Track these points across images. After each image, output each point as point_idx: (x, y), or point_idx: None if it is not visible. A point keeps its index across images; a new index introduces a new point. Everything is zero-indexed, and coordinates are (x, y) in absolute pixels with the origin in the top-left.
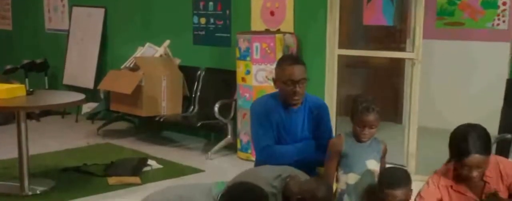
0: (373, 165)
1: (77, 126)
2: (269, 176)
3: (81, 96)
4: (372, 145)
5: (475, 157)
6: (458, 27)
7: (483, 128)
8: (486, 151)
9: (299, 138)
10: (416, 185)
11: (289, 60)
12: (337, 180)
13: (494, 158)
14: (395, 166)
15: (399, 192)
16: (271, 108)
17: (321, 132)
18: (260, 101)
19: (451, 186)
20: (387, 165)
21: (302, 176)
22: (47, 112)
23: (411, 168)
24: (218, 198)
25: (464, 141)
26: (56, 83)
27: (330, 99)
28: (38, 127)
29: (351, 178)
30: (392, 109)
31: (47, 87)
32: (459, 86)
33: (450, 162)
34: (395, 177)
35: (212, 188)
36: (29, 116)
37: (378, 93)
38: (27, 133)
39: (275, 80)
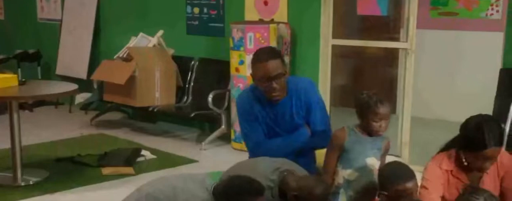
0: (373, 162)
1: (70, 116)
2: (267, 169)
3: (74, 86)
4: (374, 142)
5: (492, 150)
6: (452, 17)
7: (496, 119)
8: (501, 143)
9: (291, 128)
10: None
11: (262, 56)
12: (336, 174)
13: None
14: (393, 160)
15: (411, 184)
16: (254, 103)
17: (313, 116)
18: (242, 97)
19: (451, 171)
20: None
21: (300, 171)
22: (40, 102)
23: (404, 158)
24: (212, 188)
25: (481, 133)
26: (49, 73)
27: (324, 89)
28: (31, 117)
29: (349, 174)
30: (386, 99)
31: (40, 77)
32: (453, 76)
33: (450, 149)
34: (402, 170)
35: (205, 179)
36: (22, 106)
37: (373, 84)
38: (19, 123)
39: (252, 77)
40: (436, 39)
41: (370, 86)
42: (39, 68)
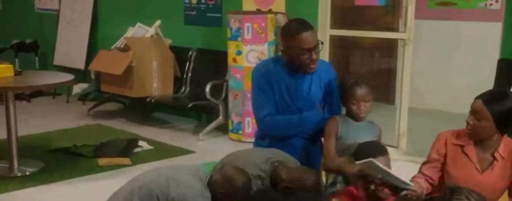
0: None
1: (68, 107)
2: (259, 159)
3: (70, 77)
4: (367, 128)
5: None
6: (451, 7)
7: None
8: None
9: (305, 104)
10: (406, 166)
11: (298, 27)
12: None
13: (509, 140)
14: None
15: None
16: (273, 73)
17: (334, 100)
18: (261, 66)
19: (463, 147)
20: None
21: (292, 162)
22: (37, 93)
23: (402, 148)
24: (207, 179)
25: None
26: (46, 64)
27: None
28: (28, 107)
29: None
30: (385, 90)
31: (37, 67)
32: (451, 67)
33: None
34: (375, 146)
35: (199, 169)
36: (20, 97)
37: (372, 74)
38: (15, 114)
39: (284, 51)
40: (434, 30)
41: (369, 77)
42: (36, 58)
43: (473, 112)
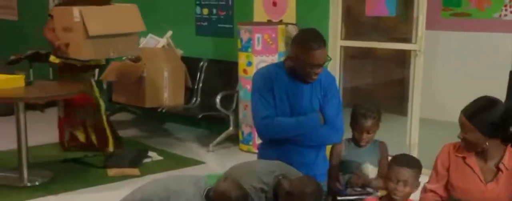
0: (369, 169)
1: None
2: (261, 172)
3: (80, 87)
4: (369, 150)
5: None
6: (465, 18)
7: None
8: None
9: (305, 111)
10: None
11: (314, 43)
12: (339, 181)
13: None
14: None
15: (406, 171)
16: (274, 79)
17: (329, 106)
18: (262, 71)
19: (464, 158)
20: None
21: (295, 174)
22: (52, 103)
23: None
24: (205, 191)
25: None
26: None
27: None
28: (42, 117)
29: (348, 179)
30: (397, 101)
31: (51, 77)
32: (465, 78)
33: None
34: (407, 157)
35: (201, 180)
36: (34, 106)
37: (384, 85)
38: (26, 123)
39: (292, 58)
40: (448, 41)
41: (382, 88)
42: (50, 69)
43: (460, 126)
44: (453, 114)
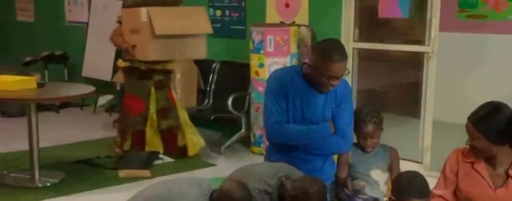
0: (378, 175)
1: (94, 118)
2: (265, 174)
3: (91, 88)
4: (377, 155)
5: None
6: (481, 20)
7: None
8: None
9: (317, 119)
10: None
11: (336, 55)
12: (347, 187)
13: None
14: (410, 170)
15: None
16: (289, 82)
17: (342, 117)
18: (277, 74)
19: (473, 163)
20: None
21: (297, 174)
22: (66, 104)
23: (425, 163)
24: (209, 193)
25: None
26: (75, 75)
27: None
28: (57, 118)
29: (358, 185)
30: (411, 103)
31: (66, 79)
32: (480, 80)
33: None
34: (416, 184)
35: (204, 183)
36: (49, 108)
37: (398, 87)
38: (37, 125)
39: (311, 65)
40: (464, 43)
41: (396, 90)
42: (66, 70)
43: (467, 133)
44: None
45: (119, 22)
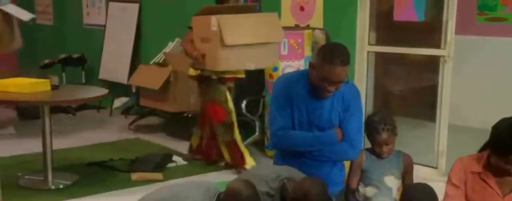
0: (391, 181)
1: (110, 120)
2: (268, 176)
3: (104, 91)
4: (392, 161)
5: None
6: (500, 23)
7: None
8: None
9: (324, 124)
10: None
11: (338, 58)
12: (357, 192)
13: None
14: (420, 183)
15: None
16: (295, 91)
17: (349, 122)
18: (283, 79)
19: (479, 174)
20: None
21: (300, 177)
22: (83, 106)
23: (441, 167)
24: (216, 196)
25: (509, 137)
26: (92, 78)
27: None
28: (73, 121)
29: (370, 191)
30: (428, 107)
31: (83, 81)
32: (498, 84)
33: (484, 151)
34: (424, 197)
35: (211, 186)
36: (66, 110)
37: (415, 91)
38: (51, 127)
39: (313, 66)
40: (483, 46)
41: (412, 94)
42: (83, 72)
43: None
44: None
45: (190, 27)
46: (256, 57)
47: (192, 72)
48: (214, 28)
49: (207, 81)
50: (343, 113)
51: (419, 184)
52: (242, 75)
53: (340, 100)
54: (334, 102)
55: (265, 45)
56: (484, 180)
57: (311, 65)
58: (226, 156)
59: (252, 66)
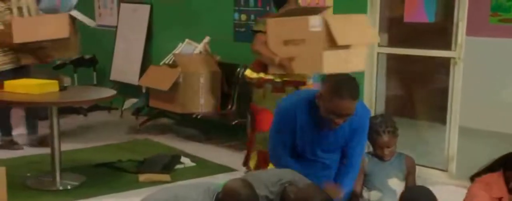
0: (395, 184)
1: (121, 121)
2: (269, 180)
3: (112, 92)
4: (394, 163)
5: None
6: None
7: None
8: None
9: (329, 147)
10: (455, 190)
11: (346, 91)
12: (361, 197)
13: None
14: (419, 185)
15: None
16: (301, 113)
17: (354, 147)
18: (287, 106)
19: (501, 198)
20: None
21: (303, 181)
22: (94, 107)
23: (451, 171)
24: (214, 196)
25: None
26: (103, 79)
27: (369, 99)
28: (84, 121)
29: (374, 195)
30: (438, 109)
31: (95, 82)
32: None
33: (497, 170)
34: (422, 197)
35: (211, 187)
36: (77, 111)
37: (426, 93)
38: (59, 128)
39: (321, 97)
40: (496, 48)
41: (423, 96)
42: (94, 73)
43: None
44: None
45: (257, 31)
46: (348, 59)
47: (251, 74)
48: (315, 29)
49: (268, 86)
50: (350, 138)
51: (418, 186)
52: (304, 79)
53: (347, 125)
54: (341, 128)
55: (356, 47)
56: None
57: (318, 96)
58: (252, 164)
59: (352, 69)
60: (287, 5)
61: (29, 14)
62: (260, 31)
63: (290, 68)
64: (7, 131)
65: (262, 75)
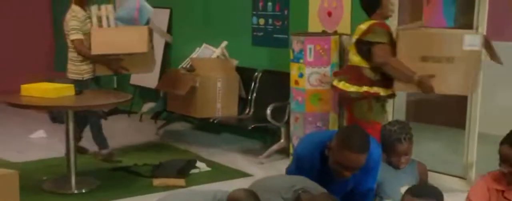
0: None
1: (140, 125)
2: (281, 187)
3: (127, 96)
4: (407, 171)
5: None
6: None
7: None
8: None
9: (340, 191)
10: None
11: (356, 145)
12: None
13: None
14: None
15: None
16: (317, 164)
17: (366, 183)
18: (309, 154)
19: (503, 192)
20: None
21: (316, 189)
22: (114, 110)
23: (469, 179)
24: None
25: None
26: (124, 83)
27: (390, 104)
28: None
29: None
30: (458, 114)
31: (115, 86)
32: None
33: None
34: (424, 188)
35: (216, 195)
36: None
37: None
38: (75, 132)
39: (330, 148)
40: None
41: (443, 101)
42: (115, 77)
43: (503, 159)
44: None
45: (377, 42)
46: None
47: (349, 87)
48: (471, 48)
49: (372, 99)
50: (361, 175)
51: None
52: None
53: (360, 173)
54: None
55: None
56: (506, 198)
57: (328, 147)
58: None
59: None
60: (379, 10)
61: (108, 25)
62: (381, 42)
63: (430, 87)
64: (103, 143)
65: (366, 88)
